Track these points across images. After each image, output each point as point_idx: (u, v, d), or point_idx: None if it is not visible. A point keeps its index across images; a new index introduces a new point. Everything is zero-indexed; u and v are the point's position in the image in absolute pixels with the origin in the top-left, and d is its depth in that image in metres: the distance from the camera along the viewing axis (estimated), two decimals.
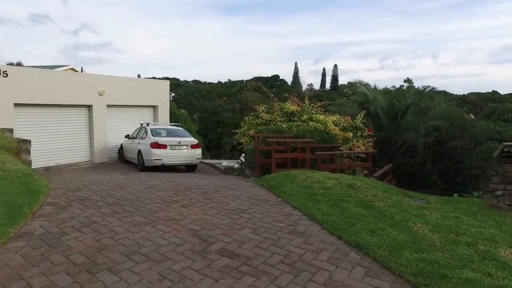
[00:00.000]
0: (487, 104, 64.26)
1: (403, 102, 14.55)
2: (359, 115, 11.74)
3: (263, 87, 17.77)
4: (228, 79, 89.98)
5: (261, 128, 11.41)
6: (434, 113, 14.25)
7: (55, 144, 12.34)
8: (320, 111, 12.22)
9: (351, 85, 17.17)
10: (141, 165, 11.31)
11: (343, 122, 11.27)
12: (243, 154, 12.75)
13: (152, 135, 11.43)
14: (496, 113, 38.76)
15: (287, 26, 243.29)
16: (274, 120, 11.46)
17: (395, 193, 5.82)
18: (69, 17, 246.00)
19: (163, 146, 11.00)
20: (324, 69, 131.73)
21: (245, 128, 12.62)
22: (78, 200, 5.13)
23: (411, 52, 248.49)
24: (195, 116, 42.25)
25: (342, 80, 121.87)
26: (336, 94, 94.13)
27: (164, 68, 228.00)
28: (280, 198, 5.48)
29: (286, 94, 13.82)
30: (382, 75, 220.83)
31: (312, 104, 12.44)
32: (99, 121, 13.49)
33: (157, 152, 10.90)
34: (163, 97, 16.05)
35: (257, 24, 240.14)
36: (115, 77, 14.60)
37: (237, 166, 10.46)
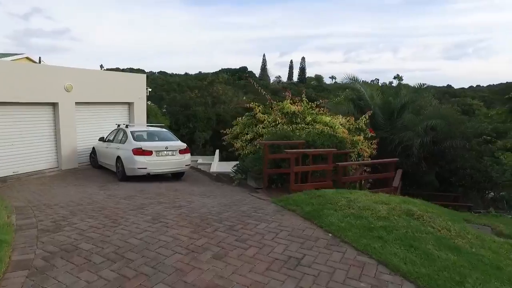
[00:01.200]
0: (444, 97, 67.12)
1: (398, 100, 13.85)
2: (363, 115, 10.75)
3: (253, 81, 16.31)
4: (199, 71, 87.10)
5: (260, 131, 10.08)
6: (431, 112, 13.70)
7: (12, 150, 10.22)
8: (320, 111, 11.09)
9: (343, 83, 16.21)
10: (121, 174, 9.60)
11: (349, 124, 10.25)
12: (237, 162, 11.39)
13: (134, 139, 9.73)
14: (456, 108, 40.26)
15: (254, 18, 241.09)
16: (275, 122, 10.18)
17: (458, 220, 4.82)
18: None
19: (148, 153, 9.37)
20: (291, 61, 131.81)
21: (238, 130, 11.23)
22: (62, 252, 3.58)
23: (374, 46, 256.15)
24: (164, 110, 39.82)
25: (309, 72, 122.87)
26: (304, 87, 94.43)
27: (128, 59, 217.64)
28: (330, 234, 4.25)
29: (263, 90, 12.56)
30: (346, 68, 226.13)
31: (310, 103, 11.29)
32: (67, 121, 11.47)
33: (141, 159, 9.26)
34: (139, 93, 14.17)
35: (224, 15, 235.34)
36: (85, 70, 12.55)
37: (237, 175, 9.09)
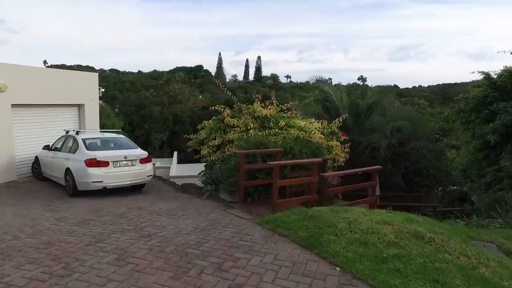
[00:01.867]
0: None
1: (364, 102, 13.73)
2: (337, 119, 10.32)
3: (218, 82, 15.31)
4: (154, 70, 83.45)
5: (230, 137, 9.23)
6: (396, 113, 13.76)
7: None
8: (292, 114, 10.48)
9: (313, 82, 15.71)
10: (71, 189, 8.24)
11: (322, 128, 9.76)
12: (203, 170, 10.44)
13: (87, 148, 8.41)
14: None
15: (208, 15, 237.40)
16: (246, 127, 9.39)
17: (465, 239, 4.39)
18: None
19: (104, 164, 8.12)
20: (247, 60, 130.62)
21: (204, 135, 10.28)
22: None
23: (326, 46, 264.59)
24: (117, 110, 37.24)
25: (265, 71, 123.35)
26: (260, 85, 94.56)
27: (76, 55, 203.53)
28: (338, 268, 3.56)
29: (221, 84, 11.79)
30: (300, 67, 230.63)
31: (280, 105, 10.65)
32: (1, 126, 9.73)
33: (96, 171, 7.99)
34: (91, 94, 12.60)
35: (177, 12, 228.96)
36: (24, 67, 10.80)
37: (207, 187, 8.16)
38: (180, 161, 27.09)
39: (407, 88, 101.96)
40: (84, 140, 8.63)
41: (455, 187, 14.60)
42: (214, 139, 9.88)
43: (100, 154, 8.22)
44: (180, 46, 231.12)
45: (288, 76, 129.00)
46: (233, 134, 9.20)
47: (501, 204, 7.88)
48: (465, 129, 19.44)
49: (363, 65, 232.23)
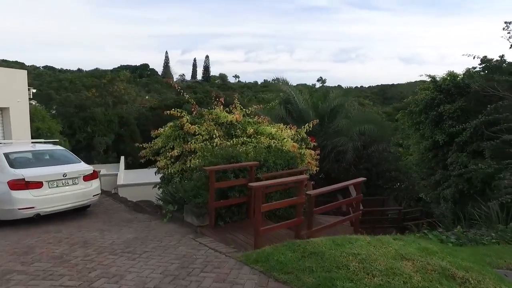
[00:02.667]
0: None
1: (327, 104, 13.27)
2: (306, 124, 9.56)
3: (173, 83, 13.78)
4: (96, 68, 77.18)
5: (191, 146, 8.00)
6: (359, 116, 13.50)
7: None
8: (259, 119, 9.52)
9: (273, 83, 14.82)
10: None
11: (295, 135, 8.96)
12: (159, 182, 9.08)
13: (11, 165, 6.66)
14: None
15: (153, 12, 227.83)
16: (209, 135, 8.23)
17: (489, 271, 3.77)
18: None
19: (36, 185, 6.47)
20: (195, 60, 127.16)
21: (160, 144, 8.92)
22: None
23: (272, 47, 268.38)
24: (54, 112, 33.30)
25: (212, 71, 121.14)
26: (209, 85, 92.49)
27: (1, 49, 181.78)
28: None
29: (171, 81, 10.58)
30: (248, 67, 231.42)
31: (244, 109, 9.64)
32: None
33: (24, 195, 6.32)
34: (18, 95, 10.47)
35: (121, 7, 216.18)
36: None
37: (168, 206, 6.87)
38: (128, 166, 24.72)
39: (350, 88, 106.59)
40: (7, 155, 6.83)
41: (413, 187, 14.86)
42: (172, 148, 8.59)
43: (30, 173, 6.52)
44: (124, 43, 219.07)
45: (236, 76, 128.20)
46: (195, 143, 7.99)
47: (478, 212, 7.69)
48: (415, 130, 20.15)
49: (308, 66, 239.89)
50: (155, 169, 9.17)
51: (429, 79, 19.02)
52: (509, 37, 13.75)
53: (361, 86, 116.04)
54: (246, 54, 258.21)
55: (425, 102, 18.83)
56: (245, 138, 8.09)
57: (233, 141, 7.93)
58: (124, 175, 19.13)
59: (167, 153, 8.57)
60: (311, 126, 9.40)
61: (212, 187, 5.83)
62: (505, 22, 12.82)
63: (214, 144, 7.89)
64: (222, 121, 8.57)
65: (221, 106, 9.20)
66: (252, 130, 8.26)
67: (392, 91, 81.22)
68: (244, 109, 9.56)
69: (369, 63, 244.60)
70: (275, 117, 12.23)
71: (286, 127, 9.26)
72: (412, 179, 13.23)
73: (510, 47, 13.38)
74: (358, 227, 6.40)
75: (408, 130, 19.70)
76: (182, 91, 10.90)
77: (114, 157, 32.41)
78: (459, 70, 17.80)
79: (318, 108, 13.14)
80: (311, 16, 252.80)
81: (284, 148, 7.81)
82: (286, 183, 6.03)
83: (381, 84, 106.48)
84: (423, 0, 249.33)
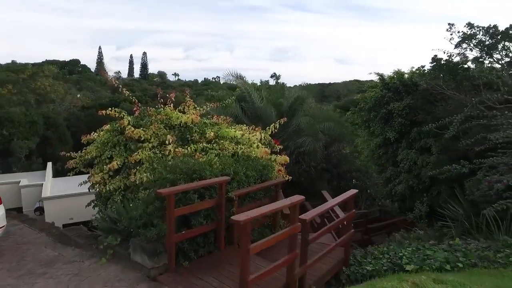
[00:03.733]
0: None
1: (285, 102, 12.15)
2: (272, 125, 8.24)
3: (112, 79, 11.46)
4: (12, 61, 67.16)
5: (137, 157, 6.20)
6: (319, 114, 12.59)
7: None
8: (218, 120, 7.96)
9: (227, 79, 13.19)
10: None
11: (262, 138, 7.57)
12: (94, 200, 7.10)
13: None
14: None
15: (82, 3, 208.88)
16: (160, 141, 6.48)
17: None
18: None
19: None
20: (131, 56, 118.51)
21: (93, 153, 6.93)
22: None
23: (212, 45, 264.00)
24: None
25: (150, 68, 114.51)
26: (147, 83, 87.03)
27: None
28: None
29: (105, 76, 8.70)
30: (187, 65, 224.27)
31: (199, 108, 8.01)
32: None
33: None
34: None
35: None
36: None
37: (107, 239, 5.04)
38: (57, 173, 21.11)
39: (310, 84, 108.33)
40: None
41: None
42: (111, 158, 6.68)
43: None
44: (50, 36, 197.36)
45: (176, 74, 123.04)
46: (143, 153, 6.20)
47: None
48: (365, 127, 20.13)
49: (248, 64, 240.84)
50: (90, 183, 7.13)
51: (377, 77, 19.15)
52: (451, 39, 13.97)
53: (300, 85, 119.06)
54: (185, 52, 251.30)
55: (374, 100, 18.84)
56: (204, 144, 6.51)
57: (190, 148, 6.30)
58: (51, 185, 15.96)
59: (104, 165, 6.64)
60: (276, 127, 8.10)
61: (171, 215, 4.21)
62: (449, 24, 12.91)
63: (167, 152, 6.19)
64: (175, 123, 6.87)
65: (171, 105, 7.49)
66: (212, 133, 6.69)
67: (329, 89, 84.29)
68: (199, 108, 7.95)
69: (305, 62, 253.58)
70: (229, 115, 10.77)
71: (250, 129, 7.87)
72: (373, 179, 12.81)
73: (455, 47, 13.51)
74: (349, 249, 5.29)
75: (358, 128, 19.68)
76: (120, 86, 8.86)
77: (40, 163, 27.98)
78: (389, 71, 18.13)
79: (278, 106, 11.97)
80: (249, 15, 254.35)
81: (252, 155, 6.41)
82: (277, 210, 4.64)
83: (319, 83, 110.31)
84: (351, 5, 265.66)
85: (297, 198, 3.87)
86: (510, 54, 13.23)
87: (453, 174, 8.15)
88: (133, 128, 6.68)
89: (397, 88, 17.97)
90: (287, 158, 6.84)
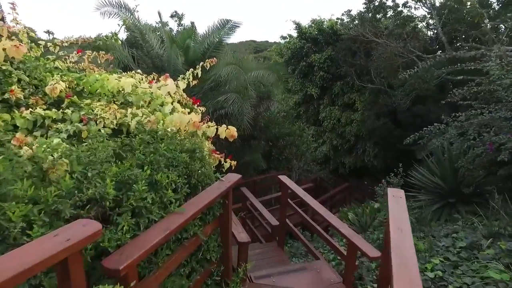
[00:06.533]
0: None
1: (198, 46, 8.45)
2: (188, 72, 4.61)
3: None
4: None
5: None
6: (249, 62, 9.22)
7: None
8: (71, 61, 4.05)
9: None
10: None
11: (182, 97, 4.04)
12: None
13: None
14: None
15: None
16: None
17: None
18: None
19: None
20: None
21: None
22: None
23: None
24: None
25: None
26: None
27: None
28: None
29: None
30: None
31: (44, 41, 3.91)
32: None
33: None
34: None
35: None
36: None
37: None
38: None
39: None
40: None
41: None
42: None
43: None
44: None
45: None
46: None
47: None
48: (282, 83, 17.70)
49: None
50: None
51: (294, 26, 16.65)
52: None
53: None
54: None
55: (292, 52, 16.42)
56: (42, 111, 2.67)
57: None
58: None
59: None
60: (198, 74, 4.54)
61: None
62: None
63: None
64: None
65: None
66: (62, 85, 2.85)
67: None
68: (44, 41, 3.86)
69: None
70: (115, 65, 6.73)
71: (149, 78, 4.23)
72: (310, 143, 10.61)
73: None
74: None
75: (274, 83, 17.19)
76: None
77: None
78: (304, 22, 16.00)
79: (186, 51, 8.19)
80: None
81: (159, 129, 2.89)
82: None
83: None
84: None
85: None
86: None
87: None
88: None
89: (316, 38, 15.93)
90: (234, 132, 3.48)
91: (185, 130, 3.31)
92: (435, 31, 12.98)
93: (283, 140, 9.98)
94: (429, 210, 6.19)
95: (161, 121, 3.03)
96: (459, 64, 7.72)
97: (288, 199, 4.53)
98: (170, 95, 3.63)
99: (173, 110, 3.04)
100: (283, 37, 17.74)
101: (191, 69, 4.65)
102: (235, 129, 3.36)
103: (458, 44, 11.96)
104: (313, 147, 14.41)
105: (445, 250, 3.98)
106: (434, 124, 5.94)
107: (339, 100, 14.81)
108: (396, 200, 2.26)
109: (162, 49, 8.63)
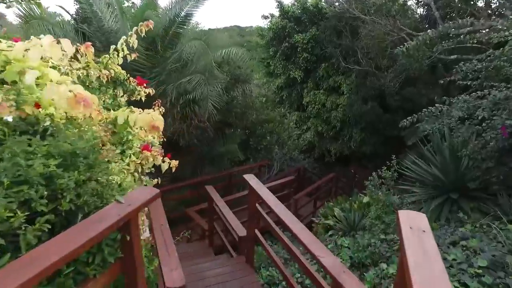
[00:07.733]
0: None
1: (159, 19, 7.15)
2: (121, 41, 3.43)
3: None
4: None
5: None
6: (217, 39, 7.99)
7: None
8: None
9: None
10: None
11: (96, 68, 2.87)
12: None
13: None
14: None
15: None
16: None
17: None
18: None
19: None
20: None
21: None
22: None
23: None
24: None
25: None
26: None
27: None
28: None
29: None
30: None
31: None
32: None
33: None
34: None
35: None
36: None
37: None
38: None
39: None
40: None
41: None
42: None
43: None
44: None
45: None
46: None
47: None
48: (263, 66, 16.48)
49: None
50: None
51: (276, 4, 15.36)
52: None
53: None
54: None
55: (273, 32, 15.16)
56: None
57: None
58: None
59: None
60: (132, 41, 3.36)
61: None
62: None
63: None
64: None
65: None
66: None
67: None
68: None
69: None
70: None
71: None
72: (291, 130, 9.56)
73: None
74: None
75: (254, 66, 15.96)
76: None
77: None
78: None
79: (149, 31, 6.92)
80: None
81: (43, 116, 1.75)
82: None
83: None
84: None
85: None
86: None
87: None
88: None
89: (299, 17, 14.72)
90: (158, 121, 2.32)
91: (90, 116, 2.18)
92: (426, 7, 11.97)
93: (261, 128, 8.89)
94: (427, 207, 5.29)
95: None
96: (461, 36, 6.71)
97: (258, 206, 3.48)
98: (72, 67, 2.46)
99: (41, 79, 1.82)
100: (264, 17, 16.40)
101: (123, 37, 3.51)
102: (161, 117, 2.25)
103: (451, 22, 11.01)
104: (296, 134, 13.41)
105: (459, 270, 3.02)
106: (436, 105, 4.96)
107: (324, 83, 13.73)
108: (419, 239, 1.23)
109: (117, 23, 7.31)
